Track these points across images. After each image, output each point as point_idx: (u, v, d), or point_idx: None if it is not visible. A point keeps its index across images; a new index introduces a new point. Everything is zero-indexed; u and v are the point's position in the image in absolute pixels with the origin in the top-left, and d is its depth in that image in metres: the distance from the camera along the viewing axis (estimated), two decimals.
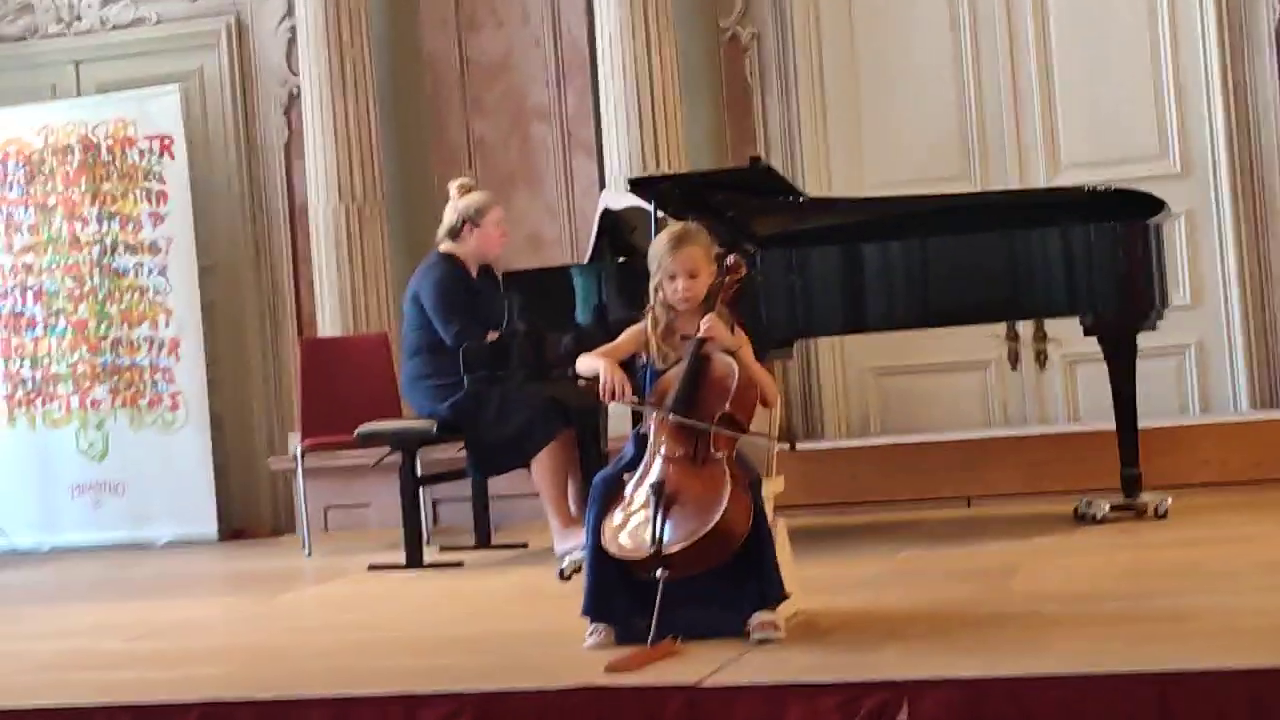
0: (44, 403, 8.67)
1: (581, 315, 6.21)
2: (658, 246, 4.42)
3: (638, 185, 6.44)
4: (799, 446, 7.62)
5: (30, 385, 8.69)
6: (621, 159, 7.82)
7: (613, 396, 4.34)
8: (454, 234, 6.78)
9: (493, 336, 6.36)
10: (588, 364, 4.46)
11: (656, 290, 4.40)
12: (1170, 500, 6.30)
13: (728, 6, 8.28)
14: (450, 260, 6.75)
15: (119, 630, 5.41)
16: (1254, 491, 6.86)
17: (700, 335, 4.29)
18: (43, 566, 7.92)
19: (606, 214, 6.55)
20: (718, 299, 4.40)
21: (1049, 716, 3.49)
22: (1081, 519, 6.25)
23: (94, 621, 5.73)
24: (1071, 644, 3.89)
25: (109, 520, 8.52)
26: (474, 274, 6.79)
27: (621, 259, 6.39)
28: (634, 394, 4.41)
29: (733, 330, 4.38)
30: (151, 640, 5.19)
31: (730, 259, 4.50)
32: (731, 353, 4.33)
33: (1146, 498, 6.27)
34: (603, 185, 7.95)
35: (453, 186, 6.89)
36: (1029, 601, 4.61)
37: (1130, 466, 6.31)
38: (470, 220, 6.74)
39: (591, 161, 8.31)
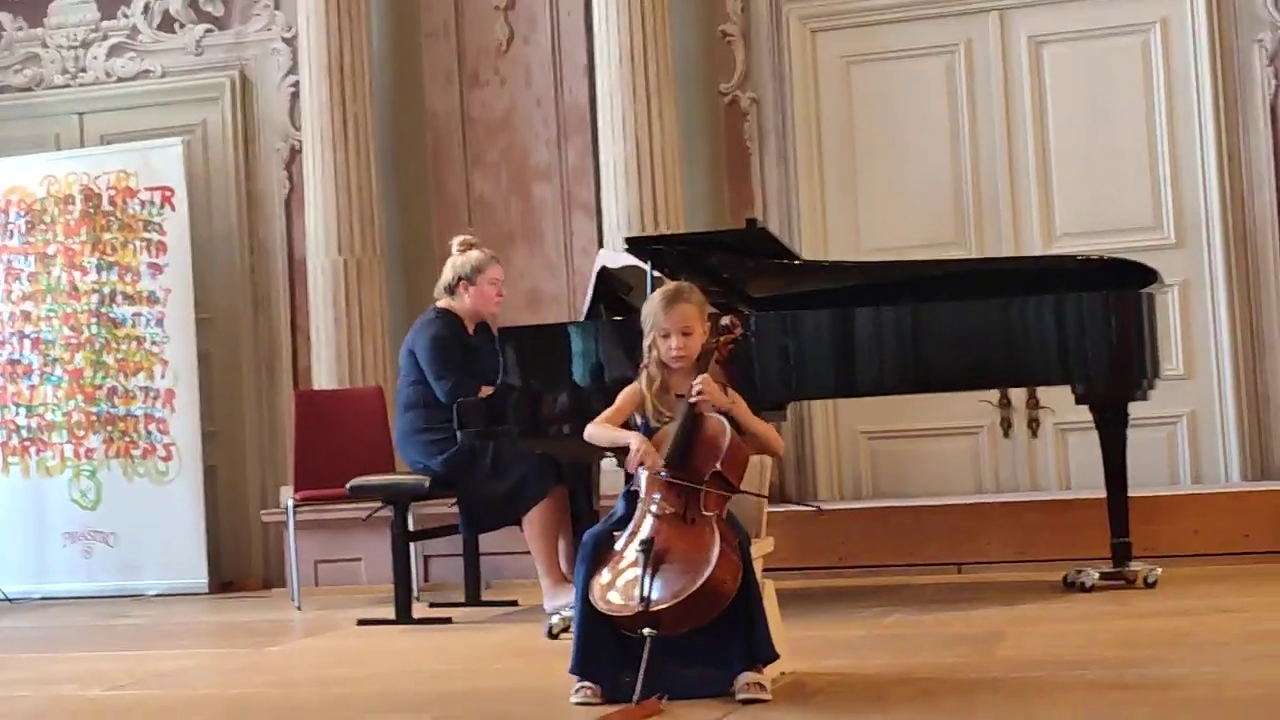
0: (38, 451, 8.66)
1: (577, 373, 6.21)
2: (651, 305, 4.44)
3: (635, 245, 6.46)
4: (796, 508, 7.63)
5: (25, 433, 8.68)
6: (620, 218, 7.84)
7: (643, 463, 4.33)
8: (450, 290, 6.80)
9: (486, 391, 6.36)
10: (608, 435, 4.48)
11: (650, 349, 4.41)
12: (1159, 570, 6.31)
13: (728, 71, 8.32)
14: (447, 316, 6.76)
15: (105, 679, 5.39)
16: (1243, 563, 6.87)
17: (691, 399, 4.31)
18: (32, 614, 7.90)
19: (604, 273, 6.56)
20: (712, 358, 4.41)
21: None
22: (1071, 587, 6.25)
23: (81, 670, 5.71)
24: (1057, 711, 3.89)
25: (99, 569, 8.50)
26: (470, 330, 6.80)
27: (618, 317, 6.40)
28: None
29: (726, 390, 4.39)
30: (137, 689, 5.17)
31: (726, 319, 4.52)
32: (725, 413, 4.34)
33: (1136, 567, 6.27)
34: (601, 244, 7.96)
35: (454, 243, 6.91)
36: (1016, 668, 4.59)
37: (1120, 535, 6.30)
38: (466, 278, 6.75)
39: (590, 220, 8.33)
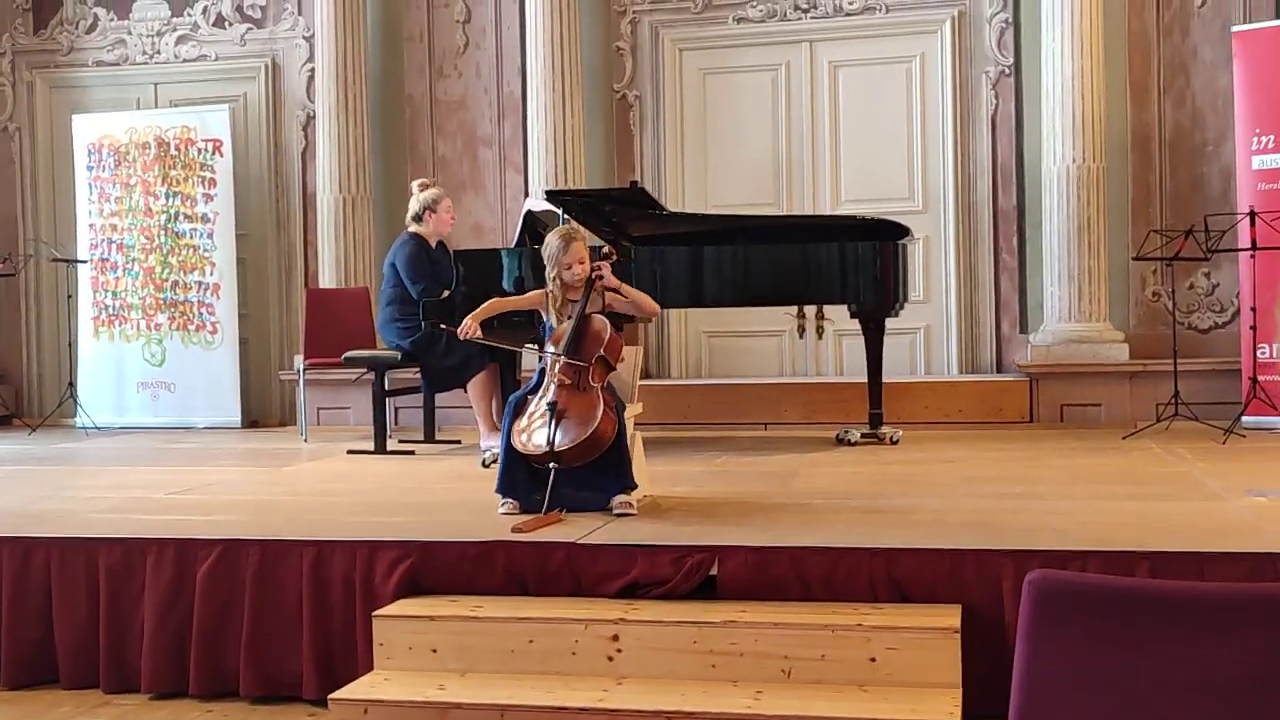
0: (120, 324, 8.48)
1: (506, 283, 6.15)
2: (552, 245, 4.40)
3: (553, 195, 6.39)
4: (655, 382, 7.65)
5: (111, 310, 8.50)
6: (541, 176, 7.76)
7: (465, 334, 4.37)
8: (417, 219, 6.68)
9: (446, 293, 6.29)
10: (483, 308, 4.47)
11: (555, 277, 4.39)
12: (901, 433, 6.41)
13: (620, 75, 8.22)
14: (416, 238, 6.65)
15: (166, 486, 5.32)
16: (958, 429, 7.01)
17: (593, 276, 4.34)
18: (114, 439, 7.74)
19: (529, 214, 6.49)
20: (593, 274, 4.41)
21: (815, 575, 3.54)
22: (841, 442, 6.33)
23: (149, 480, 5.62)
24: (832, 526, 3.94)
25: (163, 409, 8.36)
26: (433, 247, 6.70)
27: (536, 246, 6.33)
28: (535, 344, 4.45)
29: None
30: (189, 495, 5.10)
31: (605, 249, 4.55)
32: (615, 290, 4.38)
33: (885, 430, 6.36)
34: (527, 194, 7.89)
35: (414, 185, 6.80)
36: (804, 496, 4.66)
37: (876, 408, 6.39)
38: (429, 208, 6.65)
39: (519, 176, 8.24)
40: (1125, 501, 4.36)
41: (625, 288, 4.44)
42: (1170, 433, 6.39)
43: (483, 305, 4.49)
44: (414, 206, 6.68)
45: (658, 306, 4.59)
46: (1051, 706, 1.57)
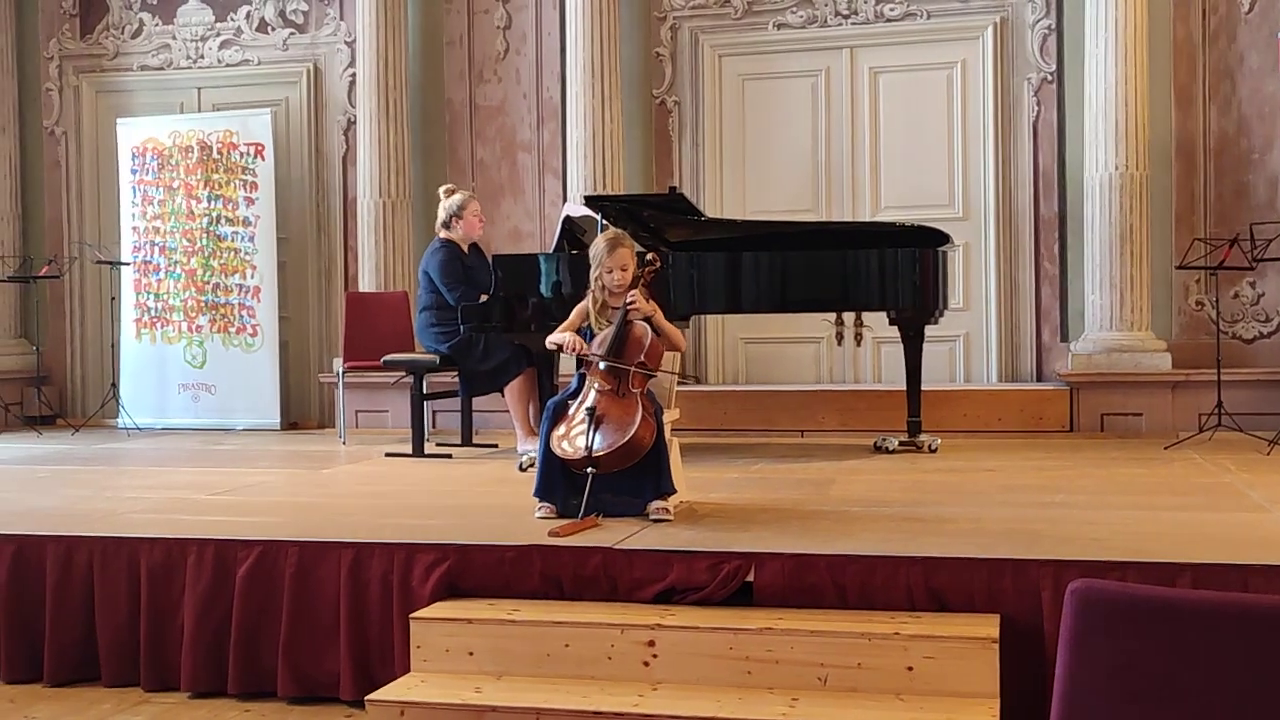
0: (162, 325, 8.57)
1: (544, 288, 6.17)
2: (598, 248, 4.40)
3: (591, 200, 6.40)
4: (693, 388, 7.65)
5: (153, 312, 8.59)
6: (580, 181, 7.77)
7: (574, 351, 4.35)
8: (446, 225, 6.72)
9: (484, 298, 6.32)
10: (555, 338, 4.44)
11: (597, 279, 4.39)
12: (940, 441, 6.38)
13: (659, 80, 8.23)
14: (449, 244, 6.69)
15: (207, 487, 5.36)
16: (997, 438, 6.97)
17: (627, 305, 4.30)
18: (156, 440, 7.82)
19: (567, 219, 6.51)
20: (639, 282, 4.40)
21: (851, 583, 3.53)
22: (879, 450, 6.31)
23: (190, 480, 5.67)
24: (868, 534, 3.93)
25: (204, 410, 8.43)
26: (466, 251, 6.73)
27: (574, 252, 6.35)
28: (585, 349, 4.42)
29: (649, 301, 4.40)
30: (229, 496, 5.15)
31: (650, 255, 4.51)
32: (648, 317, 4.34)
33: (924, 438, 6.34)
34: (565, 199, 7.91)
35: (441, 191, 6.84)
36: (841, 503, 4.65)
37: (914, 416, 6.36)
38: (455, 215, 6.69)
39: (558, 182, 8.27)
40: (1166, 512, 4.31)
41: (659, 317, 4.40)
42: (1213, 443, 6.32)
43: (553, 337, 4.44)
44: (441, 213, 6.72)
45: (684, 344, 4.61)
46: (1092, 717, 1.57)
